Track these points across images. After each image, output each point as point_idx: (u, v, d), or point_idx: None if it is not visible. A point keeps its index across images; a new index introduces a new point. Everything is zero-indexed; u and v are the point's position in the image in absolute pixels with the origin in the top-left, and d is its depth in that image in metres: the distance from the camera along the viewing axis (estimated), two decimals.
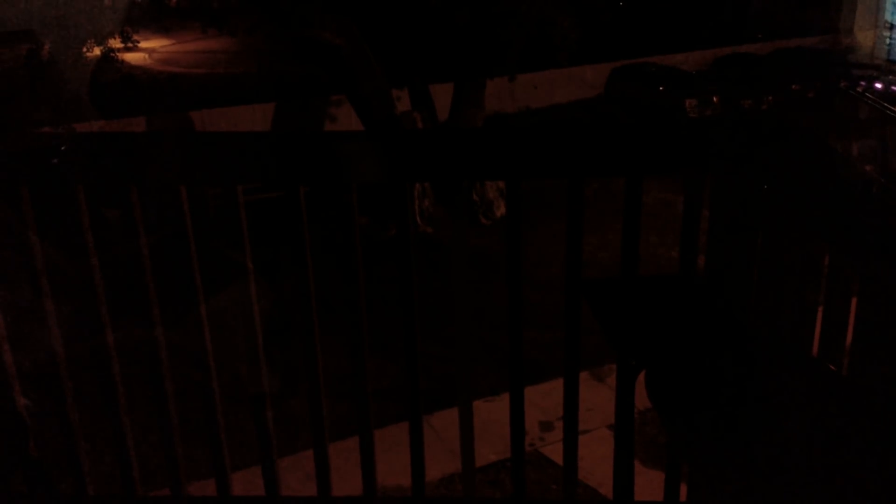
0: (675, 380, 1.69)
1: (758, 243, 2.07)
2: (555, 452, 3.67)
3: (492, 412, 3.54)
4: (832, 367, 1.84)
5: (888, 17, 12.18)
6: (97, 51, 10.41)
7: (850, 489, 1.42)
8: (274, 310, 2.52)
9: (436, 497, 2.76)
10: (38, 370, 2.18)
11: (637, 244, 2.11)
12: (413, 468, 2.29)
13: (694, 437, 1.67)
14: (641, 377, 1.98)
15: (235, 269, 2.17)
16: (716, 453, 1.60)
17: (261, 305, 2.22)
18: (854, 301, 1.79)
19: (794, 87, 10.98)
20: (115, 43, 10.58)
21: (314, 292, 2.17)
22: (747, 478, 1.52)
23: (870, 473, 1.43)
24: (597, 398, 3.84)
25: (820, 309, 1.94)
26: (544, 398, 3.87)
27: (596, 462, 3.24)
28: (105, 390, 2.23)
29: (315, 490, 2.34)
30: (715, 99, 11.19)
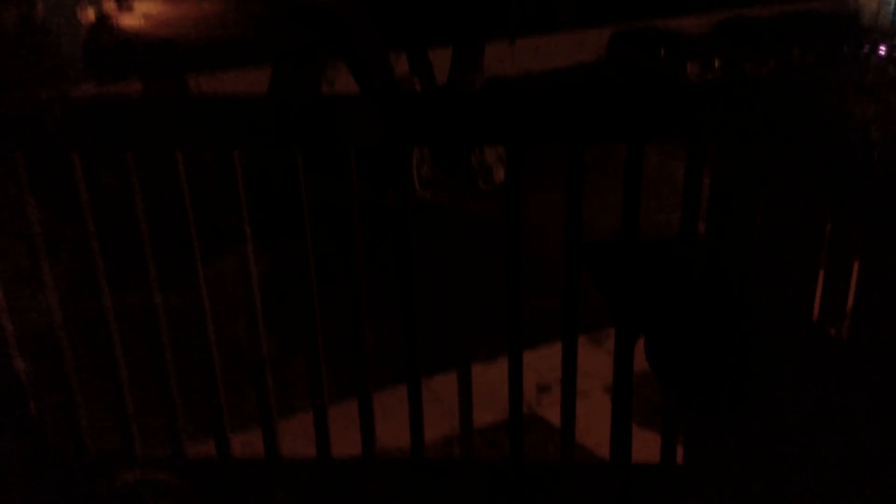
0: (675, 345, 1.70)
1: (759, 207, 2.06)
2: (552, 414, 3.69)
3: (489, 376, 3.55)
4: (832, 332, 1.85)
5: None
6: (91, 14, 10.25)
7: (848, 453, 1.43)
8: (272, 274, 2.52)
9: (434, 458, 2.79)
10: (37, 334, 2.18)
11: (638, 210, 2.11)
12: (412, 430, 2.31)
13: (692, 402, 1.68)
14: (640, 342, 1.99)
15: (233, 234, 2.16)
16: (714, 417, 1.61)
17: (259, 270, 2.21)
18: (856, 265, 1.79)
19: (796, 51, 10.86)
20: (110, 6, 10.42)
21: (312, 256, 2.16)
22: (745, 441, 1.53)
23: (867, 437, 1.44)
24: (594, 362, 3.84)
25: (821, 273, 1.94)
26: (542, 362, 3.89)
27: (592, 424, 3.26)
28: (103, 353, 2.24)
29: (314, 451, 2.36)
30: (716, 63, 11.06)
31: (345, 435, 2.43)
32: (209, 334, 2.24)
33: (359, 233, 2.15)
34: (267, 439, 2.35)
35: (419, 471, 2.39)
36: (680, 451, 2.35)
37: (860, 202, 1.75)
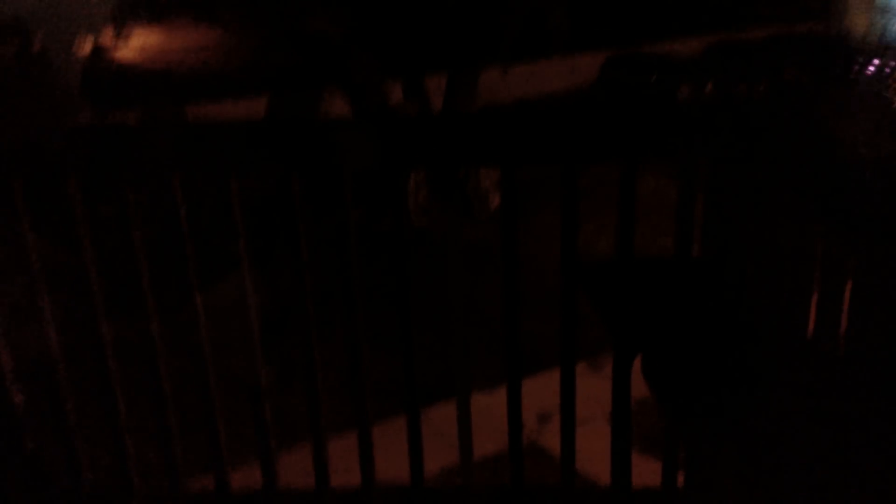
0: (672, 362, 1.70)
1: (752, 227, 2.07)
2: (553, 444, 3.67)
3: (489, 404, 3.53)
4: (828, 349, 1.85)
5: None
6: (88, 45, 10.32)
7: (847, 471, 1.42)
8: (270, 303, 2.52)
9: (434, 487, 2.76)
10: (34, 365, 2.17)
11: (632, 229, 2.11)
12: (411, 460, 2.29)
13: (690, 419, 1.67)
14: (638, 365, 1.99)
15: (231, 261, 2.16)
16: (712, 435, 1.60)
17: (257, 298, 2.21)
18: (849, 285, 1.79)
19: (787, 72, 10.95)
20: (106, 38, 10.50)
21: (310, 282, 2.16)
22: (743, 458, 1.52)
23: (866, 456, 1.43)
24: (594, 389, 3.82)
25: (815, 295, 1.94)
26: (541, 390, 3.86)
27: (594, 453, 3.23)
28: (101, 384, 2.23)
29: (313, 483, 2.34)
30: (708, 86, 11.15)
31: (344, 467, 2.42)
32: (207, 364, 2.23)
33: (355, 258, 2.15)
34: (265, 471, 2.33)
35: (418, 500, 2.36)
36: (681, 478, 2.34)
37: (853, 221, 1.76)
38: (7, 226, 2.06)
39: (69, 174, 2.06)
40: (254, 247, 2.20)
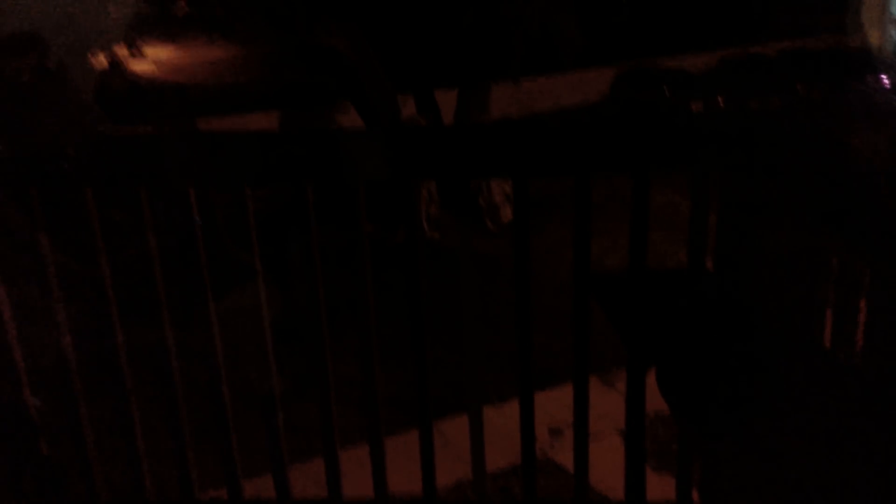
0: (687, 373, 1.69)
1: (766, 240, 2.06)
2: (565, 458, 3.64)
3: (501, 418, 3.51)
4: (844, 359, 1.83)
5: (895, 11, 12.12)
6: (103, 60, 10.44)
7: (865, 485, 1.41)
8: (283, 314, 2.52)
9: (446, 500, 2.75)
10: (49, 372, 2.18)
11: (646, 239, 2.10)
12: (423, 472, 2.28)
13: (706, 432, 1.66)
14: (652, 381, 1.98)
15: (244, 271, 2.16)
16: (728, 449, 1.59)
17: (270, 309, 2.21)
18: (864, 300, 1.78)
19: (800, 86, 10.91)
20: (121, 52, 10.62)
21: (322, 290, 2.16)
22: (760, 473, 1.51)
23: (884, 470, 1.42)
24: (607, 403, 3.79)
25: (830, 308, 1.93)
26: (553, 404, 3.84)
27: (608, 468, 3.21)
28: (115, 393, 2.23)
29: (325, 494, 2.33)
30: (720, 100, 11.13)
31: (356, 480, 2.41)
32: (221, 373, 2.23)
33: (369, 270, 2.15)
34: (277, 481, 2.32)
35: None
36: (696, 494, 2.31)
37: (867, 234, 1.75)
38: (24, 233, 2.08)
39: (85, 182, 2.08)
40: (268, 257, 2.21)
